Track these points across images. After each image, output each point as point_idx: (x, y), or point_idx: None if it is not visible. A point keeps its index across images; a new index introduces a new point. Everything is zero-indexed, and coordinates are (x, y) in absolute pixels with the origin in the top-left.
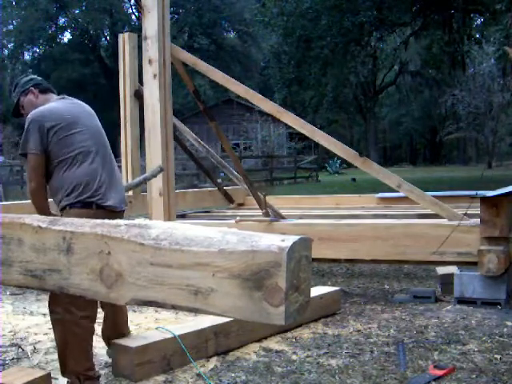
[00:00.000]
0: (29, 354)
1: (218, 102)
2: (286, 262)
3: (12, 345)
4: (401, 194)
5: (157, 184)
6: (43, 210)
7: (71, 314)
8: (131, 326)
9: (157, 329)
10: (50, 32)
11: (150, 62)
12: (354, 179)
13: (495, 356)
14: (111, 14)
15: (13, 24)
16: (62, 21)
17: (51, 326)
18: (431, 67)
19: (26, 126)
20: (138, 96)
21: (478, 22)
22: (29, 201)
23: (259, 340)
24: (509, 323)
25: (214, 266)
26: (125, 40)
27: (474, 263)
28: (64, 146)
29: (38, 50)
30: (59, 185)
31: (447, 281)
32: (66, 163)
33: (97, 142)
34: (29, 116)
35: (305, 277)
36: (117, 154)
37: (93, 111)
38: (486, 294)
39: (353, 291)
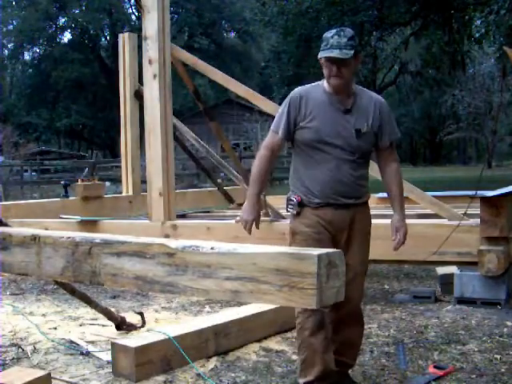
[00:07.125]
0: (29, 353)
1: (218, 102)
2: None
3: (12, 345)
4: None
5: (157, 184)
6: None
7: None
8: None
9: (148, 331)
10: (50, 32)
11: (150, 62)
12: None
13: (495, 356)
14: (111, 13)
15: (13, 24)
16: (62, 21)
17: (51, 327)
18: (431, 67)
19: None
20: (138, 96)
21: (478, 22)
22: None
23: (259, 340)
24: (509, 323)
25: None
26: (125, 40)
27: (474, 263)
28: None
29: (38, 50)
30: None
31: (447, 281)
32: None
33: None
34: None
35: None
36: (117, 154)
37: None
38: (486, 294)
39: None
